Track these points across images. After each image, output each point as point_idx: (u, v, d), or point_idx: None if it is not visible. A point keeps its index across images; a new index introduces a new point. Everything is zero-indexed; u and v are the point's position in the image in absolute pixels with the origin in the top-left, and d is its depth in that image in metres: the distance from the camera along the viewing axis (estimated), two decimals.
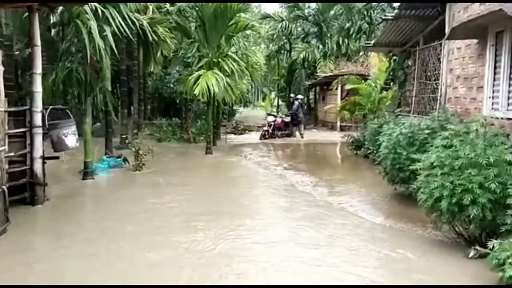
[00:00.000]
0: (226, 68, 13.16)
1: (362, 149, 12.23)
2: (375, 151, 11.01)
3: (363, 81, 16.42)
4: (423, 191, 5.32)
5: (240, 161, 12.72)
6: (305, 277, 4.43)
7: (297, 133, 19.35)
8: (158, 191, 8.40)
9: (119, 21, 8.98)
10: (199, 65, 13.17)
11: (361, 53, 27.62)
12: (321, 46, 27.30)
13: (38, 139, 7.11)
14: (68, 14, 8.69)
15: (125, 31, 9.33)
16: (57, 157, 7.50)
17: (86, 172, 9.45)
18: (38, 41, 7.20)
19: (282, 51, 34.34)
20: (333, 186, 8.80)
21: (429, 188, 5.17)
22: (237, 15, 13.46)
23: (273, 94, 42.14)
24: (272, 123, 18.81)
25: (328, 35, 27.70)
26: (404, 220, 6.41)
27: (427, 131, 6.98)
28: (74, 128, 7.43)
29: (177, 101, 25.11)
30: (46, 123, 7.18)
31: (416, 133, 7.03)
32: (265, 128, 18.86)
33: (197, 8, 13.25)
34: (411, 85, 12.38)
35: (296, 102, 20.14)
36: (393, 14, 11.23)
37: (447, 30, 9.78)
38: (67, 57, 9.36)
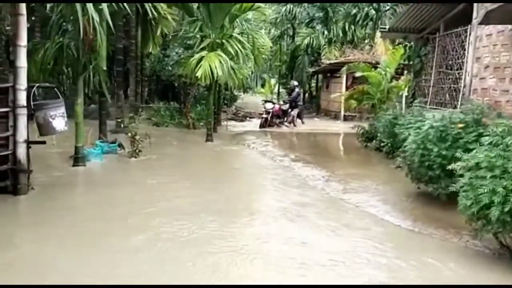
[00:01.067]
0: (231, 50, 12.28)
1: (374, 141, 11.46)
2: (389, 144, 10.32)
3: (373, 69, 15.58)
4: (467, 195, 4.57)
5: (243, 150, 11.93)
6: None
7: (298, 120, 18.67)
8: (155, 182, 7.62)
9: None
10: (202, 46, 12.26)
11: (366, 41, 26.87)
12: (326, 32, 26.35)
13: (22, 121, 6.28)
14: None
15: (123, 5, 8.49)
16: (43, 142, 6.68)
17: (77, 158, 8.64)
18: (23, 9, 6.33)
19: (285, 36, 33.39)
20: (347, 182, 8.04)
21: (475, 192, 4.42)
22: None
23: (273, 81, 41.20)
24: (271, 111, 17.80)
25: (334, 20, 26.74)
26: (434, 225, 5.67)
27: (460, 125, 6.21)
28: (63, 109, 6.60)
29: (176, 84, 24.30)
30: (31, 103, 6.36)
31: (448, 127, 6.25)
32: (264, 116, 17.81)
33: None
34: (429, 75, 11.60)
35: (297, 89, 19.40)
36: None
37: (475, 14, 8.98)
38: (57, 31, 8.47)
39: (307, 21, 27.95)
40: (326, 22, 26.88)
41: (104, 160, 9.42)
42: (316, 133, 16.67)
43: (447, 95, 10.25)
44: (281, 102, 18.83)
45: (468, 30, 9.28)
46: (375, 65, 16.02)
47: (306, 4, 28.29)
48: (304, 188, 7.58)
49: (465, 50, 9.50)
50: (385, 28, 12.97)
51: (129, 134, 9.87)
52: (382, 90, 15.23)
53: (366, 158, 11.12)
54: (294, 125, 18.10)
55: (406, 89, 13.84)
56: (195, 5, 12.99)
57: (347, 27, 26.25)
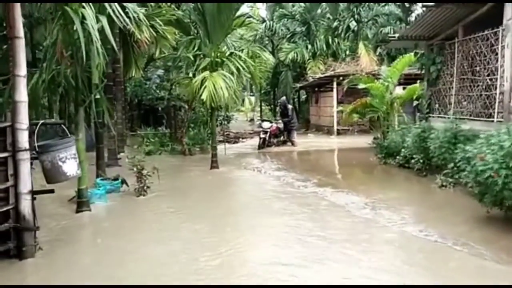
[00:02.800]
0: (233, 68, 11.31)
1: (398, 157, 10.61)
2: (421, 161, 9.49)
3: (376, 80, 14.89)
4: None
5: (255, 176, 10.89)
6: None
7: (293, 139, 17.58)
8: (172, 228, 6.47)
9: (117, 10, 7.02)
10: (202, 65, 11.24)
11: (348, 52, 26.40)
12: (309, 46, 25.80)
13: (25, 168, 5.09)
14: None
15: (124, 21, 7.42)
16: (51, 191, 5.50)
17: (81, 203, 7.42)
18: (20, 31, 5.20)
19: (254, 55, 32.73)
20: (397, 209, 7.09)
21: None
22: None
23: (252, 98, 40.39)
24: (269, 130, 16.76)
25: (317, 34, 26.23)
26: None
27: None
28: (74, 149, 5.42)
29: (159, 108, 23.18)
30: (36, 144, 5.18)
31: None
32: (262, 136, 16.64)
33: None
34: (448, 83, 10.91)
35: (290, 106, 18.43)
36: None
37: (509, 15, 8.33)
38: (51, 56, 7.30)
39: (288, 36, 27.36)
40: (309, 36, 26.34)
41: (109, 201, 8.21)
42: (320, 151, 15.83)
43: (477, 103, 9.53)
44: (279, 120, 17.79)
45: (500, 33, 8.63)
46: (377, 76, 15.35)
47: (286, 19, 27.74)
48: (351, 220, 6.58)
49: (496, 54, 8.84)
50: (394, 37, 12.29)
51: (135, 169, 8.69)
52: (386, 102, 14.58)
53: (395, 177, 10.22)
54: (294, 144, 17.18)
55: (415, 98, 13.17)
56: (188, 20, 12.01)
57: (330, 40, 25.78)
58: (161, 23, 10.38)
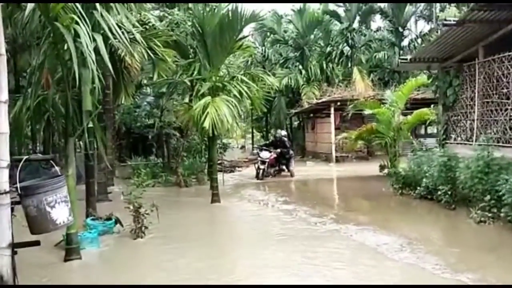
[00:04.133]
0: (235, 92, 10.44)
1: (419, 188, 9.72)
2: (449, 193, 8.61)
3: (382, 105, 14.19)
4: None
5: (262, 211, 9.87)
6: None
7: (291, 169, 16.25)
8: (180, 279, 5.41)
9: (114, 27, 6.12)
10: (202, 90, 10.33)
11: (341, 78, 25.88)
12: (303, 71, 25.21)
13: (4, 215, 4.04)
14: (42, 14, 5.72)
15: (121, 40, 6.53)
16: (36, 243, 4.43)
17: (70, 250, 6.33)
18: (1, 48, 4.23)
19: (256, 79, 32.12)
20: (440, 252, 6.14)
21: None
22: None
23: (242, 125, 39.55)
24: (267, 160, 15.54)
25: (310, 59, 25.70)
26: None
27: None
28: (65, 191, 4.39)
29: (149, 136, 22.13)
30: (18, 185, 4.14)
31: None
32: (260, 167, 15.43)
33: (196, 20, 10.57)
34: (468, 107, 10.17)
35: (285, 139, 17.11)
36: (455, 19, 9.01)
37: None
38: (37, 80, 6.31)
39: (281, 61, 26.80)
40: (302, 61, 25.80)
41: (102, 245, 7.11)
42: (324, 180, 14.94)
43: (505, 129, 8.76)
44: (278, 150, 16.02)
45: None
46: (382, 101, 14.65)
47: (279, 44, 27.23)
48: (401, 270, 5.59)
49: None
50: (406, 59, 11.60)
51: (131, 207, 7.62)
52: (393, 128, 13.86)
53: (420, 210, 9.29)
54: (292, 175, 15.94)
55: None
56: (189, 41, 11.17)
57: (324, 65, 25.27)
58: (159, 44, 9.52)
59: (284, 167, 16.24)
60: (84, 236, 7.02)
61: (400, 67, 13.71)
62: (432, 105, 12.95)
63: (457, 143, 10.47)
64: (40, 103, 7.06)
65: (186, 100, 12.89)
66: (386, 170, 12.11)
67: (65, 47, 5.89)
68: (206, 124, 9.34)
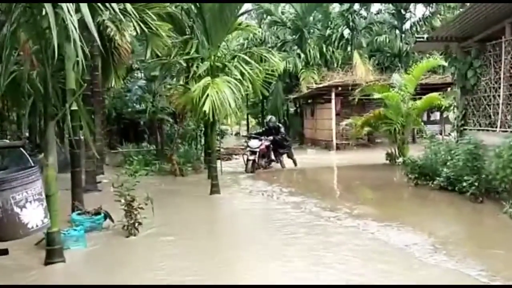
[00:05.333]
0: (237, 73, 9.49)
1: (438, 178, 8.88)
2: (475, 184, 7.78)
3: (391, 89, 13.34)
4: None
5: (267, 204, 8.99)
6: None
7: (283, 160, 14.47)
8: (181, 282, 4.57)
9: None
10: (200, 71, 9.38)
11: (340, 62, 24.91)
12: (302, 55, 24.18)
13: None
14: None
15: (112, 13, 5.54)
16: (4, 251, 3.52)
17: (52, 252, 5.41)
18: None
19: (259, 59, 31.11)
20: (481, 255, 5.32)
21: None
22: None
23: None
24: (258, 150, 13.47)
25: (310, 42, 24.67)
26: None
27: None
28: (38, 186, 3.46)
29: (141, 122, 21.13)
30: None
31: None
32: (250, 158, 13.38)
33: None
34: (492, 90, 9.33)
35: (279, 125, 15.18)
36: None
37: None
38: (10, 52, 5.32)
39: (279, 44, 25.73)
40: (301, 44, 24.75)
41: (89, 244, 6.20)
42: (328, 169, 14.11)
43: None
44: (270, 138, 14.00)
45: None
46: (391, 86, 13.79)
47: (276, 27, 26.17)
48: (443, 278, 4.73)
49: None
50: (422, 37, 10.69)
51: (122, 201, 6.70)
52: (403, 113, 13.03)
53: (444, 204, 8.41)
54: (283, 166, 14.26)
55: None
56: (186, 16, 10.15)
57: (324, 49, 24.28)
58: (154, 17, 8.49)
59: (275, 157, 14.39)
60: (69, 234, 6.10)
61: (416, 46, 12.83)
62: (449, 88, 12.03)
63: (478, 129, 9.65)
64: (16, 80, 6.09)
65: (181, 82, 11.93)
66: (400, 159, 11.23)
67: (43, 13, 4.93)
68: (206, 107, 8.40)
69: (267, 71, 10.84)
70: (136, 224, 6.65)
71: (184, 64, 11.67)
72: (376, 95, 13.30)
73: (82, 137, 7.41)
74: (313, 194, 9.62)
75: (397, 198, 9.19)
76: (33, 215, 3.40)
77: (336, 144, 20.18)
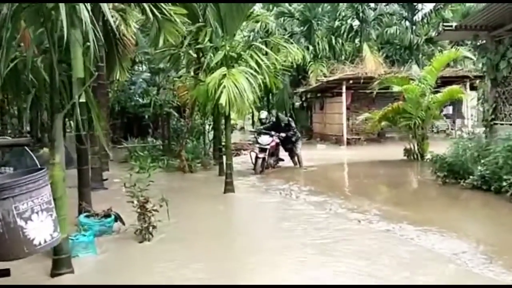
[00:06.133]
0: (253, 63, 8.85)
1: (472, 177, 8.27)
2: None
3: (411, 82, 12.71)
4: None
5: (287, 203, 8.34)
6: None
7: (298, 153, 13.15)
8: None
9: None
10: (215, 61, 8.74)
11: (351, 54, 24.25)
12: (310, 47, 23.50)
13: None
14: None
15: None
16: (5, 273, 2.92)
17: (59, 261, 4.81)
18: None
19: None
20: None
21: None
22: None
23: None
24: (268, 147, 12.07)
25: (318, 34, 23.99)
26: None
27: None
28: (47, 193, 2.84)
29: (145, 116, 20.50)
30: None
31: None
32: (259, 156, 11.89)
33: None
34: None
35: (291, 122, 13.58)
36: None
37: None
38: (10, 37, 4.69)
39: (287, 36, 25.00)
40: (309, 36, 24.07)
41: (100, 251, 5.60)
42: (343, 165, 13.48)
43: None
44: (282, 134, 12.65)
45: None
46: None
47: (283, 18, 25.47)
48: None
49: None
50: (450, 26, 10.02)
51: (135, 202, 6.09)
52: (423, 107, 12.40)
53: (483, 205, 7.77)
54: (300, 164, 13.01)
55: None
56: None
57: (333, 41, 23.60)
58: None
59: (289, 154, 13.18)
60: (77, 240, 5.49)
61: (443, 35, 12.18)
62: (478, 80, 11.36)
63: (511, 124, 9.03)
64: (18, 69, 5.47)
65: (191, 74, 11.30)
66: (428, 155, 10.57)
67: None
68: (223, 100, 7.76)
69: (284, 62, 10.15)
70: (150, 228, 6.05)
71: (194, 55, 11.05)
72: (395, 88, 12.66)
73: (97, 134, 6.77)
74: (335, 193, 9.01)
75: (428, 198, 8.57)
76: (40, 228, 2.78)
77: (347, 139, 19.56)
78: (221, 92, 7.89)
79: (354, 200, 8.22)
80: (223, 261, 5.27)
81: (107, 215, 6.51)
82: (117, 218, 6.55)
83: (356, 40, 24.92)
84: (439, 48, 24.65)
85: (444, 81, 16.57)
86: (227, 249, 5.74)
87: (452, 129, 22.05)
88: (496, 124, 9.45)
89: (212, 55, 9.57)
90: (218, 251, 5.64)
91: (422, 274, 4.59)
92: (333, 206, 7.76)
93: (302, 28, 24.47)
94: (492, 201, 7.63)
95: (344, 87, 19.47)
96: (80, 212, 6.77)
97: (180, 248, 5.76)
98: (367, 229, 6.36)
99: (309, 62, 22.92)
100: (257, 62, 8.98)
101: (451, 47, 23.23)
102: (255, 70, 8.85)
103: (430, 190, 9.11)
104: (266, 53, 9.47)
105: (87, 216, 6.47)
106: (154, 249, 5.75)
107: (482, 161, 8.10)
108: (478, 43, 10.00)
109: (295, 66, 23.18)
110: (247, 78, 8.19)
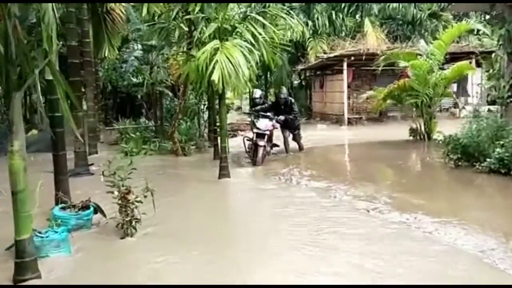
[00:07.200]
0: (249, 36, 8.03)
1: (488, 159, 7.54)
2: None
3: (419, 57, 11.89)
4: None
5: (288, 190, 7.59)
6: None
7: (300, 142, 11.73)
8: None
9: None
10: (207, 33, 7.91)
11: (352, 30, 23.29)
12: (310, 23, 22.50)
13: None
14: None
15: None
16: None
17: (22, 266, 4.11)
18: None
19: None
20: None
21: None
22: None
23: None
24: (267, 133, 10.27)
25: (318, 9, 22.97)
26: None
27: None
28: None
29: (138, 96, 19.70)
30: None
31: None
32: (260, 143, 9.93)
33: None
34: None
35: (293, 100, 11.89)
36: None
37: None
38: None
39: (284, 11, 23.95)
40: (308, 11, 23.05)
41: (75, 249, 4.90)
42: (347, 147, 12.74)
43: None
44: (282, 117, 10.99)
45: None
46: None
47: None
48: None
49: None
50: None
51: (116, 193, 5.36)
52: (431, 84, 11.63)
53: (504, 191, 7.08)
54: (301, 148, 11.68)
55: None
56: None
57: (334, 16, 22.61)
58: None
59: (294, 138, 11.62)
60: (47, 238, 4.78)
61: (453, 7, 11.25)
62: (493, 54, 10.54)
63: None
64: None
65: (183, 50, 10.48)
66: (440, 136, 9.83)
67: None
68: (216, 76, 6.98)
69: (283, 37, 9.33)
70: (133, 222, 5.33)
71: (186, 28, 10.19)
72: (402, 63, 11.87)
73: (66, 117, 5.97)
74: (339, 178, 8.31)
75: (441, 184, 7.88)
76: None
77: (348, 118, 18.81)
78: (214, 67, 7.09)
79: (360, 186, 7.50)
80: (215, 259, 4.57)
81: (85, 207, 5.80)
82: (97, 209, 5.85)
83: (357, 16, 23.94)
84: (443, 23, 23.73)
85: (448, 58, 15.75)
86: (220, 247, 5.02)
87: (456, 108, 21.28)
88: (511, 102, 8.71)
89: (204, 28, 8.71)
90: (209, 248, 4.93)
91: (449, 277, 3.92)
92: (338, 193, 7.06)
93: (301, 3, 23.40)
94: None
95: (345, 64, 18.61)
96: (57, 203, 6.08)
97: (166, 244, 5.05)
98: (379, 221, 5.64)
99: (308, 38, 21.95)
100: (253, 35, 8.18)
101: (456, 22, 22.51)
102: (252, 44, 8.04)
103: (442, 174, 8.41)
104: (264, 26, 8.60)
105: (63, 208, 5.76)
106: (137, 247, 5.05)
107: (501, 142, 7.37)
108: (494, 13, 9.12)
109: (294, 42, 22.53)
110: (242, 53, 7.38)
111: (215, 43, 7.43)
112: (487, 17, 20.97)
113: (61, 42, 6.96)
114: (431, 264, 4.25)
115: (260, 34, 8.19)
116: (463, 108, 20.92)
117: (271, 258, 4.55)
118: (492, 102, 20.25)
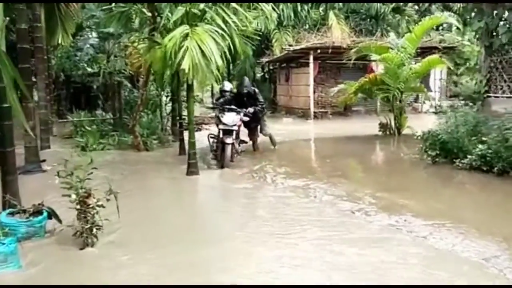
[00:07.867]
0: (220, 22, 7.41)
1: (470, 156, 7.30)
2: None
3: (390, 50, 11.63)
4: None
5: (263, 189, 7.08)
6: None
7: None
8: None
9: None
10: (174, 18, 7.23)
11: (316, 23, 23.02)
12: (274, 14, 21.99)
13: None
14: None
15: None
16: None
17: None
18: None
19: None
20: None
21: None
22: None
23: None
24: (235, 129, 9.14)
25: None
26: None
27: None
28: None
29: (94, 87, 18.61)
30: None
31: None
32: (227, 140, 8.76)
33: None
34: None
35: (257, 90, 10.61)
36: None
37: None
38: None
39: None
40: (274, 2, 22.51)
41: (26, 262, 4.19)
42: (317, 142, 12.45)
43: None
44: (250, 110, 9.85)
45: None
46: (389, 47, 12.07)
47: None
48: None
49: None
50: None
51: (73, 196, 4.64)
52: (402, 78, 11.42)
53: (490, 190, 6.77)
54: (274, 145, 10.86)
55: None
56: None
57: (299, 8, 22.21)
58: None
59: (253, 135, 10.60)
60: None
61: None
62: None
63: (508, 97, 8.13)
64: None
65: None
66: (411, 131, 9.58)
67: None
68: (186, 65, 6.32)
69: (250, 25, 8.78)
70: (94, 230, 4.64)
71: (149, 14, 9.44)
72: (374, 57, 11.59)
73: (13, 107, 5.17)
74: (316, 176, 7.87)
75: (423, 182, 7.58)
76: None
77: (314, 112, 18.50)
78: (183, 56, 6.43)
79: (339, 184, 7.08)
80: (187, 268, 3.98)
81: (37, 212, 5.04)
82: (51, 214, 5.10)
83: (321, 9, 23.69)
84: (406, 18, 23.91)
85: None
86: (193, 254, 4.42)
87: (417, 102, 21.49)
88: (490, 97, 8.54)
89: (169, 13, 8.02)
90: (180, 256, 4.33)
91: None
92: (318, 193, 6.61)
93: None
94: (499, 186, 6.70)
95: (311, 57, 18.24)
96: (4, 207, 5.28)
97: (131, 253, 4.41)
98: (366, 224, 5.22)
99: (273, 30, 21.46)
100: (224, 21, 7.58)
101: (419, 17, 22.66)
102: (223, 30, 7.44)
103: (421, 170, 8.11)
104: (235, 12, 8.01)
105: (11, 214, 4.98)
106: (100, 258, 4.38)
107: (483, 138, 7.14)
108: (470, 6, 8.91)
109: (258, 33, 21.97)
110: (215, 40, 6.76)
111: (184, 28, 6.77)
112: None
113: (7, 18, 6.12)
114: (434, 275, 3.84)
115: (232, 19, 7.58)
116: (424, 103, 21.16)
117: (248, 258, 4.01)
118: (453, 97, 20.58)
